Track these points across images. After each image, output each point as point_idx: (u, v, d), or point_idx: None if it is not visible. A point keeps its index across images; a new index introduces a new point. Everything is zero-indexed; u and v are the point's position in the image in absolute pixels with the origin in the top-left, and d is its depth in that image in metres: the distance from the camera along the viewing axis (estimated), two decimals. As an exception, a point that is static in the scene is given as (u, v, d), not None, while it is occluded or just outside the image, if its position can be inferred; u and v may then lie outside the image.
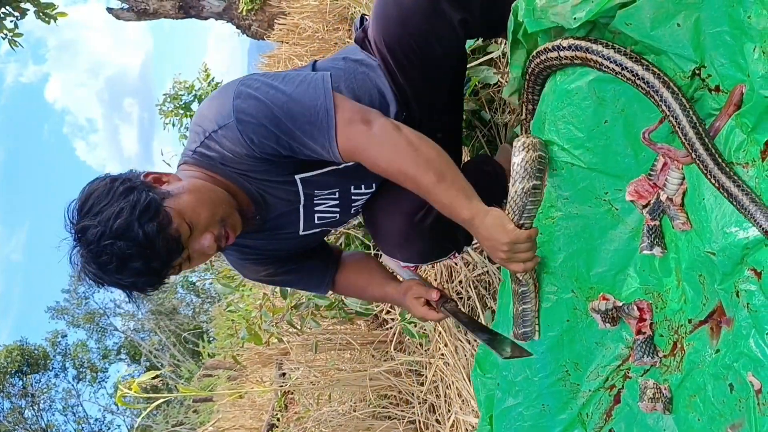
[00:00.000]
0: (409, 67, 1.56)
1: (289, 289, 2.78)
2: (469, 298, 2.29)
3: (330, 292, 1.93)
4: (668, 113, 1.13)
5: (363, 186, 1.64)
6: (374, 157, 1.38)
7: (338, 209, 1.66)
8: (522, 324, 1.49)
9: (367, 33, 1.67)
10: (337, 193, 1.62)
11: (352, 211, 1.70)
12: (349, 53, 1.68)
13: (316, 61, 1.67)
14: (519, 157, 1.32)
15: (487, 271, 2.22)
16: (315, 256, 1.81)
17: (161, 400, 2.61)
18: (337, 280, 1.86)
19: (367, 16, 1.77)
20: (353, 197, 1.65)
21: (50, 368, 22.98)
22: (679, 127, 1.12)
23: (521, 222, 1.34)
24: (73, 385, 23.31)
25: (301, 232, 1.66)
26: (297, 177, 1.52)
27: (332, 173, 1.55)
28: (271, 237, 1.64)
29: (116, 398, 2.29)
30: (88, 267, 1.34)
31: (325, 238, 1.93)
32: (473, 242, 1.92)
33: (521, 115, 1.54)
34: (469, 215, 1.36)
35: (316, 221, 1.65)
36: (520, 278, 1.44)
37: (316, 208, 1.62)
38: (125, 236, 1.28)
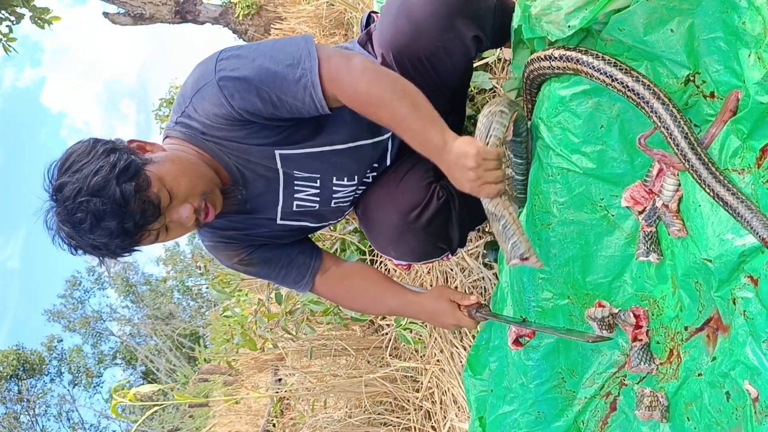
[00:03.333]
0: (415, 77, 1.55)
1: (284, 294, 2.76)
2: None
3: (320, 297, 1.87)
4: (659, 124, 1.14)
5: (345, 178, 1.62)
6: (354, 84, 1.38)
7: (318, 199, 1.63)
8: (516, 253, 1.41)
9: (371, 37, 1.66)
10: (318, 181, 1.60)
11: (333, 205, 1.67)
12: (353, 47, 1.68)
13: None
14: (483, 114, 1.35)
15: (483, 277, 2.21)
16: (296, 249, 1.75)
17: (156, 408, 2.60)
18: (329, 283, 1.77)
19: (375, 15, 1.75)
20: (334, 188, 1.63)
21: (46, 373, 22.91)
22: (671, 138, 1.12)
23: (487, 141, 1.34)
24: (68, 390, 23.25)
25: (278, 221, 1.64)
26: (276, 151, 1.51)
27: (313, 155, 1.54)
28: (247, 220, 1.62)
29: (111, 408, 2.27)
30: (62, 227, 1.33)
31: (320, 240, 1.89)
32: (467, 246, 1.91)
33: (523, 112, 1.54)
34: (441, 140, 1.36)
35: (294, 208, 1.63)
36: (495, 212, 1.38)
37: (295, 195, 1.61)
38: (101, 193, 1.28)
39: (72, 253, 1.38)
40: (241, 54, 1.40)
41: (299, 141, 1.51)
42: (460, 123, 1.87)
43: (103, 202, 1.27)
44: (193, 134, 1.45)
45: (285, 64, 1.37)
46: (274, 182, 1.55)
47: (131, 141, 1.44)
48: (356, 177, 1.64)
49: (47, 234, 1.37)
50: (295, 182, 1.58)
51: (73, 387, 23.35)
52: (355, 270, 1.80)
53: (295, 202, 1.62)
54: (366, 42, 1.67)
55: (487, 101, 2.27)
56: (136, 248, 1.39)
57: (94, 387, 23.60)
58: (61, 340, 23.95)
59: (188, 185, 1.38)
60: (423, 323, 2.36)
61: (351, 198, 1.70)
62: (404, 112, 1.37)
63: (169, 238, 1.44)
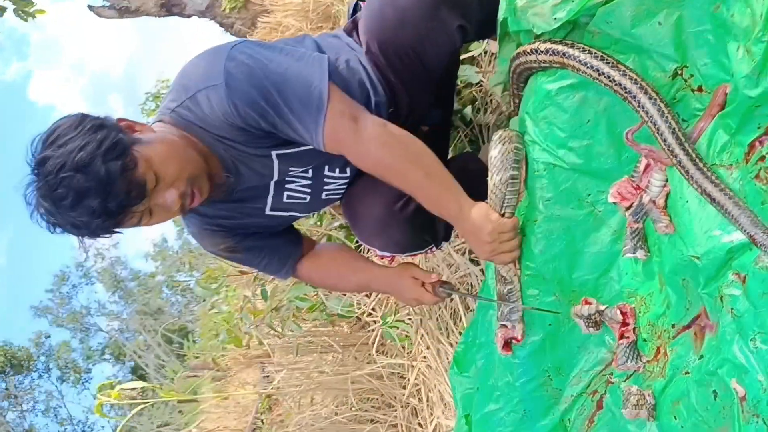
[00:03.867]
0: (400, 67, 1.55)
1: (269, 290, 2.74)
2: (451, 300, 2.26)
3: (294, 279, 1.87)
4: (646, 118, 1.12)
5: (337, 169, 1.61)
6: (362, 153, 1.38)
7: (309, 190, 1.62)
8: (510, 318, 1.49)
9: (357, 26, 1.64)
10: (310, 171, 1.58)
11: (323, 196, 1.66)
12: (340, 35, 1.66)
13: (306, 35, 1.64)
14: (496, 150, 1.35)
15: (469, 273, 2.19)
16: (280, 238, 1.74)
17: (142, 406, 2.57)
18: (305, 266, 1.78)
19: (362, 3, 1.74)
20: (326, 179, 1.62)
21: (34, 369, 22.78)
22: (658, 132, 1.11)
23: (502, 212, 1.38)
24: (56, 386, 23.12)
25: (267, 211, 1.62)
26: (274, 153, 1.49)
27: (310, 151, 1.51)
28: (235, 209, 1.60)
29: (95, 407, 2.24)
30: (42, 203, 1.29)
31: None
32: (452, 240, 1.90)
33: (510, 107, 1.54)
34: (457, 210, 1.40)
35: (285, 199, 1.61)
36: (506, 276, 1.44)
37: (287, 186, 1.59)
38: (86, 170, 1.24)
39: (50, 231, 1.34)
40: (252, 67, 1.35)
41: (299, 143, 1.49)
42: (448, 117, 1.85)
43: (87, 179, 1.24)
44: (190, 124, 1.42)
45: (294, 98, 1.34)
46: (267, 177, 1.54)
47: (120, 119, 1.41)
48: (348, 169, 1.62)
49: (26, 209, 1.33)
50: (288, 175, 1.56)
51: (61, 383, 23.22)
52: (324, 251, 1.82)
53: (286, 193, 1.61)
54: (352, 30, 1.65)
55: (475, 98, 2.25)
56: (117, 230, 1.36)
57: (83, 383, 23.47)
58: (49, 336, 23.80)
59: (176, 169, 1.35)
60: (409, 321, 2.36)
61: (342, 190, 1.69)
62: (417, 180, 1.39)
63: (152, 222, 1.41)
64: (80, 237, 1.37)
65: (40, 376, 22.94)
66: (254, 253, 1.72)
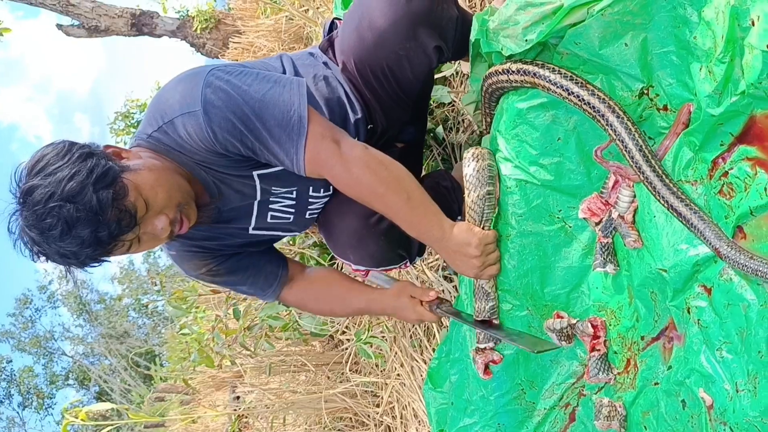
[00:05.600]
0: (377, 86, 1.56)
1: (242, 309, 2.72)
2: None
3: (279, 303, 1.84)
4: (614, 136, 1.16)
5: (322, 189, 1.61)
6: (344, 175, 1.37)
7: (293, 210, 1.61)
8: (487, 344, 1.51)
9: (333, 44, 1.65)
10: (295, 193, 1.58)
11: (307, 216, 1.65)
12: (315, 53, 1.66)
13: (283, 54, 1.64)
14: (471, 167, 1.38)
15: (443, 290, 2.21)
16: (264, 258, 1.72)
17: (110, 428, 2.51)
18: (295, 291, 1.75)
19: (338, 21, 1.75)
20: (310, 200, 1.61)
21: (-6, 395, 22.14)
22: (625, 150, 1.15)
23: (482, 227, 1.41)
24: (18, 413, 22.47)
25: (251, 230, 1.61)
26: (255, 173, 1.48)
27: (291, 172, 1.50)
28: (219, 230, 1.59)
29: (62, 428, 2.19)
30: (27, 232, 1.25)
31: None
32: (425, 257, 1.90)
33: (482, 125, 1.56)
34: (440, 233, 1.41)
35: (269, 219, 1.60)
36: (489, 291, 1.47)
37: (270, 206, 1.58)
38: (76, 200, 1.21)
39: (33, 260, 1.31)
40: (230, 93, 1.33)
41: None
42: (421, 136, 1.87)
43: (78, 209, 1.21)
44: (169, 149, 1.40)
45: (273, 122, 1.34)
46: (250, 197, 1.53)
47: (107, 146, 1.39)
48: (332, 187, 1.63)
49: (9, 238, 1.29)
50: (272, 196, 1.56)
51: (23, 409, 22.59)
52: (318, 275, 1.79)
53: (270, 213, 1.60)
54: (327, 48, 1.66)
55: (447, 117, 2.29)
56: (106, 258, 1.33)
57: (46, 408, 22.86)
58: (11, 361, 23.18)
59: (165, 196, 1.34)
60: (383, 337, 2.36)
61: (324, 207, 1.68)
62: (398, 205, 1.39)
63: (140, 250, 1.39)
64: (67, 266, 1.34)
65: (0, 402, 22.29)
66: (238, 275, 1.69)
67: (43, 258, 1.30)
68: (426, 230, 1.42)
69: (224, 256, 1.65)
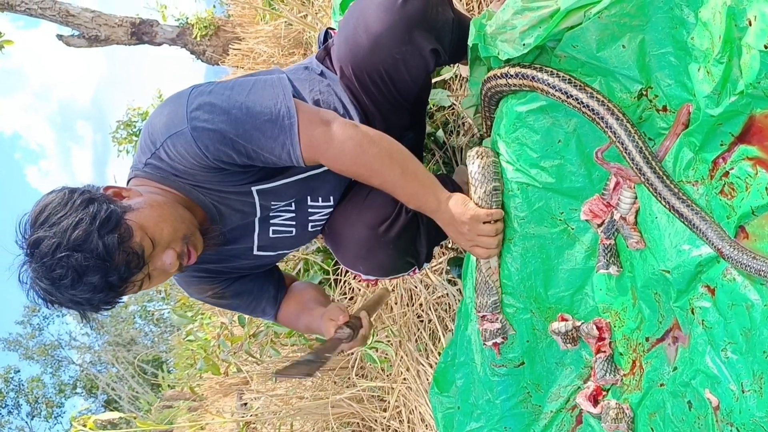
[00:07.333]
0: (375, 91, 1.56)
1: (247, 316, 2.72)
2: (429, 321, 2.27)
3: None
4: (614, 138, 1.16)
5: (320, 198, 1.61)
6: (338, 156, 1.37)
7: (294, 223, 1.61)
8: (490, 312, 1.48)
9: (329, 52, 1.65)
10: (293, 204, 1.58)
11: (310, 228, 1.65)
12: (311, 64, 1.67)
13: (276, 68, 1.65)
14: (476, 164, 1.38)
15: (447, 293, 2.21)
16: (268, 282, 1.74)
17: (118, 436, 2.52)
18: (283, 311, 1.78)
19: (332, 31, 1.75)
20: (310, 209, 1.61)
21: (3, 405, 22.16)
22: (626, 152, 1.15)
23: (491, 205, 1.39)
24: (27, 422, 22.50)
25: (255, 251, 1.61)
26: (253, 188, 1.48)
27: (290, 184, 1.52)
28: (223, 252, 1.58)
29: (71, 438, 2.20)
30: (39, 282, 1.25)
31: (284, 261, 1.87)
32: (431, 263, 1.90)
33: (482, 128, 1.56)
34: (435, 204, 1.42)
35: (271, 235, 1.60)
36: (492, 285, 1.45)
37: (271, 221, 1.58)
38: (83, 248, 1.21)
39: (47, 308, 1.31)
40: (214, 102, 1.34)
41: (276, 175, 1.49)
42: (421, 140, 1.87)
43: (86, 257, 1.22)
44: (165, 175, 1.40)
45: (263, 119, 1.34)
46: (250, 214, 1.53)
47: (107, 188, 1.39)
48: (332, 198, 1.63)
49: (21, 289, 1.30)
50: (271, 211, 1.56)
51: (32, 419, 22.63)
52: (293, 292, 1.80)
53: (272, 228, 1.60)
54: (324, 57, 1.67)
55: (447, 121, 2.29)
56: (119, 300, 1.34)
57: (55, 417, 22.89)
58: (19, 371, 23.22)
59: (170, 230, 1.34)
60: (389, 342, 2.36)
61: (327, 218, 1.68)
62: (394, 178, 1.40)
63: (151, 286, 1.39)
64: (81, 312, 1.34)
65: (9, 413, 22.33)
66: (242, 298, 1.71)
67: (56, 306, 1.30)
68: (423, 202, 1.43)
69: (230, 279, 1.66)
